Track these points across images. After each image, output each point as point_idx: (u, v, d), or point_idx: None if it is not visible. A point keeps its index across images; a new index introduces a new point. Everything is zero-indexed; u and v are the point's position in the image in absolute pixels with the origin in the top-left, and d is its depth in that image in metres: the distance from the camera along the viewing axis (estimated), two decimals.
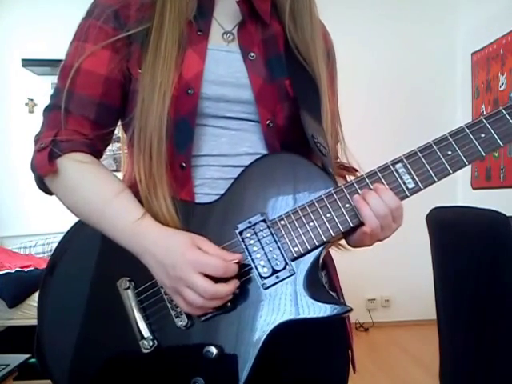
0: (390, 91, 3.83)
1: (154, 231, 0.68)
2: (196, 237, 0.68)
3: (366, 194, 0.70)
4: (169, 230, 0.69)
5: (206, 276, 0.64)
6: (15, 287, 2.71)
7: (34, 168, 0.75)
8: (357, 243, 0.74)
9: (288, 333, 0.69)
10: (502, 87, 3.36)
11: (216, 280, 0.64)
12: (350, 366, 0.84)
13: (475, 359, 1.73)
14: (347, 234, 0.73)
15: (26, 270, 2.85)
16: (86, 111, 0.75)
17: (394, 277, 3.80)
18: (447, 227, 1.90)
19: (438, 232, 1.96)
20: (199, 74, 0.74)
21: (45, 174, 0.74)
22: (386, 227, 0.70)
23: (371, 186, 0.71)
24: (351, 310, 0.68)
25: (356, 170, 0.88)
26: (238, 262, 0.67)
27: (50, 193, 0.78)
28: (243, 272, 0.69)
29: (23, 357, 1.79)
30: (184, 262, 0.64)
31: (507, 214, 1.59)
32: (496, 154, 3.32)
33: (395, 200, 0.70)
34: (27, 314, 2.70)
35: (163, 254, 0.66)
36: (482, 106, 3.63)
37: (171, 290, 0.67)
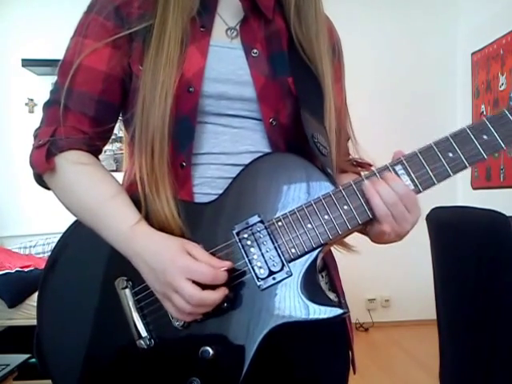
0: (389, 91, 3.82)
1: (145, 237, 0.68)
2: (187, 242, 0.67)
3: (375, 182, 0.69)
4: (160, 235, 0.68)
5: (195, 283, 0.63)
6: (15, 287, 2.71)
7: (32, 164, 0.76)
8: (376, 238, 0.73)
9: (288, 333, 0.68)
10: (502, 87, 3.35)
11: (204, 287, 0.64)
12: (351, 366, 0.83)
13: (475, 359, 1.72)
14: (365, 230, 0.72)
15: (25, 269, 2.85)
16: (85, 108, 0.75)
17: (393, 277, 3.80)
18: (447, 227, 1.90)
19: (438, 232, 1.95)
20: (200, 71, 0.73)
21: (42, 172, 0.75)
22: (399, 218, 0.68)
23: None
24: (347, 312, 0.67)
25: (370, 165, 0.87)
26: (228, 270, 0.66)
27: (47, 187, 0.78)
28: (240, 273, 0.68)
29: (23, 357, 1.79)
30: (173, 268, 0.64)
31: (507, 214, 1.59)
32: (496, 154, 3.31)
33: (404, 187, 0.68)
34: (27, 313, 2.70)
35: (153, 259, 0.66)
36: (482, 106, 3.63)
37: (161, 294, 0.67)
